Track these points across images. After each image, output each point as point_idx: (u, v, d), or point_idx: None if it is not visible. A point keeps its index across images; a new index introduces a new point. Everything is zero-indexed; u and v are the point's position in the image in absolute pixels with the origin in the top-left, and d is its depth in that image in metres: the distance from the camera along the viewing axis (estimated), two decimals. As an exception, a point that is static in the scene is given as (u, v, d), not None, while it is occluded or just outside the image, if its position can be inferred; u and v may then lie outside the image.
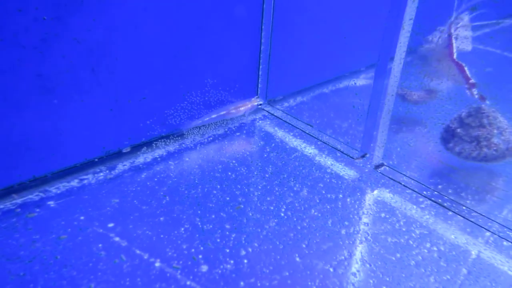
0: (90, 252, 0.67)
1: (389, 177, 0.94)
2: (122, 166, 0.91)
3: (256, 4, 1.04)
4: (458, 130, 0.92)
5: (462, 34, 1.04)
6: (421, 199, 0.87)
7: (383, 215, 0.82)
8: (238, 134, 1.09)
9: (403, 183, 0.92)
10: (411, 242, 0.74)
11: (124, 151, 0.93)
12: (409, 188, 0.90)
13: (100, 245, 0.69)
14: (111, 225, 0.73)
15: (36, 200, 0.77)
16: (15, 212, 0.74)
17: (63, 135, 0.80)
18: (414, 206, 0.85)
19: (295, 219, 0.79)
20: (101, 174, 0.87)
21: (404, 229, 0.78)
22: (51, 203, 0.77)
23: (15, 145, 0.74)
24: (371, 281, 0.66)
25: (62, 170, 0.84)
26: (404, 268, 0.69)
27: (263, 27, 1.09)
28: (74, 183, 0.83)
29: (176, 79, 0.95)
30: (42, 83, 0.73)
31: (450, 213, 0.83)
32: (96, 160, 0.89)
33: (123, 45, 0.81)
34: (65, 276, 0.62)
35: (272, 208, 0.81)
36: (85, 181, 0.85)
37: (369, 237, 0.75)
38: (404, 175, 0.95)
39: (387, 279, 0.66)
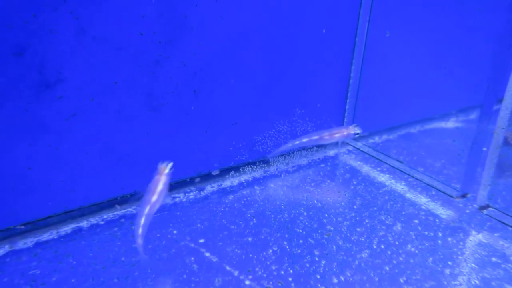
0: (184, 264, 0.68)
1: (497, 219, 0.84)
2: (210, 187, 0.93)
3: (348, 38, 1.06)
4: None
5: None
6: (539, 246, 0.76)
7: (494, 259, 0.72)
8: (322, 165, 1.07)
9: (514, 227, 0.81)
10: (534, 292, 0.64)
11: (213, 173, 0.96)
12: (522, 233, 0.80)
13: (192, 258, 0.69)
14: (201, 240, 0.74)
15: (134, 213, 0.82)
16: (119, 222, 0.79)
17: (163, 152, 0.86)
18: (532, 253, 0.74)
19: (389, 253, 0.73)
20: (192, 194, 0.90)
21: (522, 277, 0.67)
22: (148, 215, 0.81)
23: (120, 159, 0.81)
24: (487, 330, 0.57)
25: (158, 187, 0.88)
26: (528, 320, 0.59)
27: (353, 61, 1.09)
28: (168, 200, 0.87)
29: (266, 107, 0.98)
30: (150, 102, 0.79)
31: None
32: (188, 180, 0.93)
33: (222, 70, 0.87)
34: (161, 284, 0.63)
35: (363, 239, 0.77)
36: (177, 199, 0.88)
37: (479, 281, 0.66)
38: (514, 218, 0.84)
39: (507, 330, 0.57)
